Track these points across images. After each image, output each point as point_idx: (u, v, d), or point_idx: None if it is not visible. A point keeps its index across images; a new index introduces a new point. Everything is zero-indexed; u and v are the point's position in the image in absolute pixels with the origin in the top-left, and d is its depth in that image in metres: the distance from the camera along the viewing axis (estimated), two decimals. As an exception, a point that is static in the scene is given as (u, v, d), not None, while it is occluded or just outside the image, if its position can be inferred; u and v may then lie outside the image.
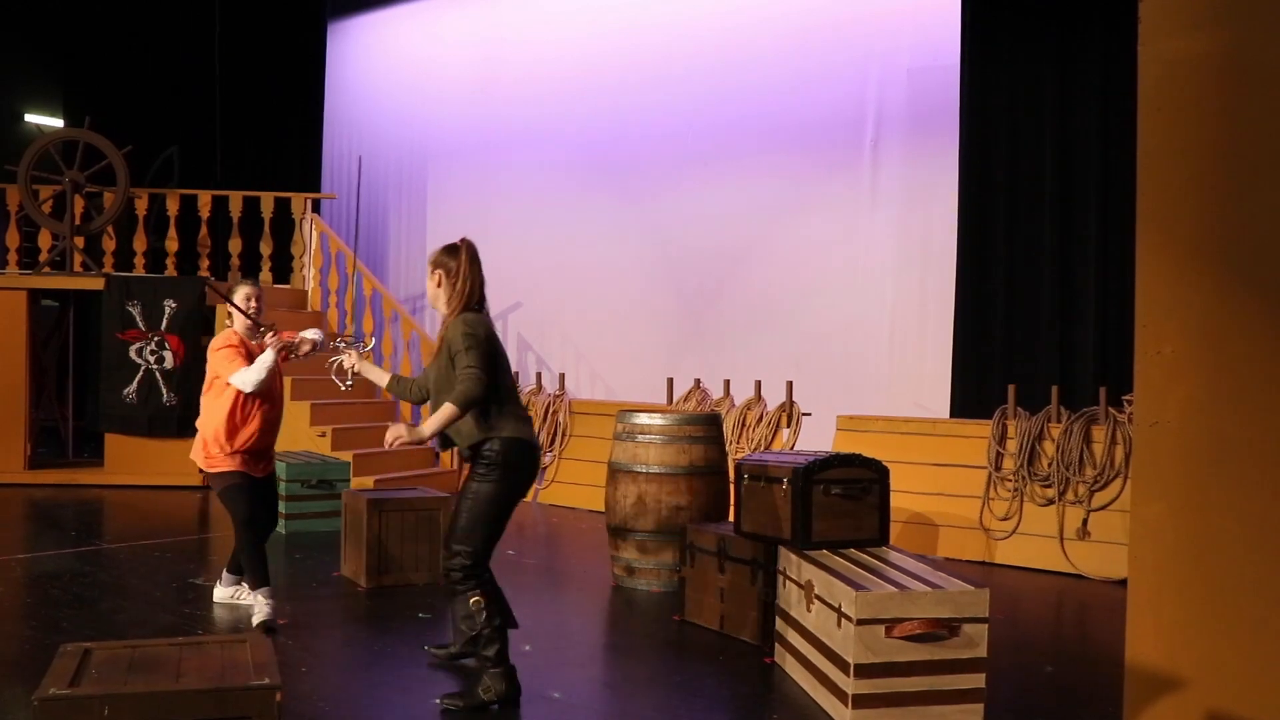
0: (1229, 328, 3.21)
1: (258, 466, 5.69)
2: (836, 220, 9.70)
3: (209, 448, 5.61)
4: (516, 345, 11.84)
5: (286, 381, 10.07)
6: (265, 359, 5.53)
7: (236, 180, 12.03)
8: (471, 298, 4.51)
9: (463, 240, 4.58)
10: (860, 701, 4.13)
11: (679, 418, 6.58)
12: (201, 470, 5.71)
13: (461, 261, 4.50)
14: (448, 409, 4.26)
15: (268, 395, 5.64)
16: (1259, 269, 3.16)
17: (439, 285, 4.55)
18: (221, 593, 5.97)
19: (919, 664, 4.18)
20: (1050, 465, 7.34)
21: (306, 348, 5.63)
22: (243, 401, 5.56)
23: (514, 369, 11.31)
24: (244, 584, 5.84)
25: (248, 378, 5.50)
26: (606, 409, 9.59)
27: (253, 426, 5.59)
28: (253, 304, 5.71)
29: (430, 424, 4.31)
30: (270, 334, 5.59)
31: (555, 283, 11.54)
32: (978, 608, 4.23)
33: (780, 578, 5.07)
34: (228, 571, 5.96)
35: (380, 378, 4.89)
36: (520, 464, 4.40)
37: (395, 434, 4.28)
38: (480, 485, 4.36)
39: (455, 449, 4.47)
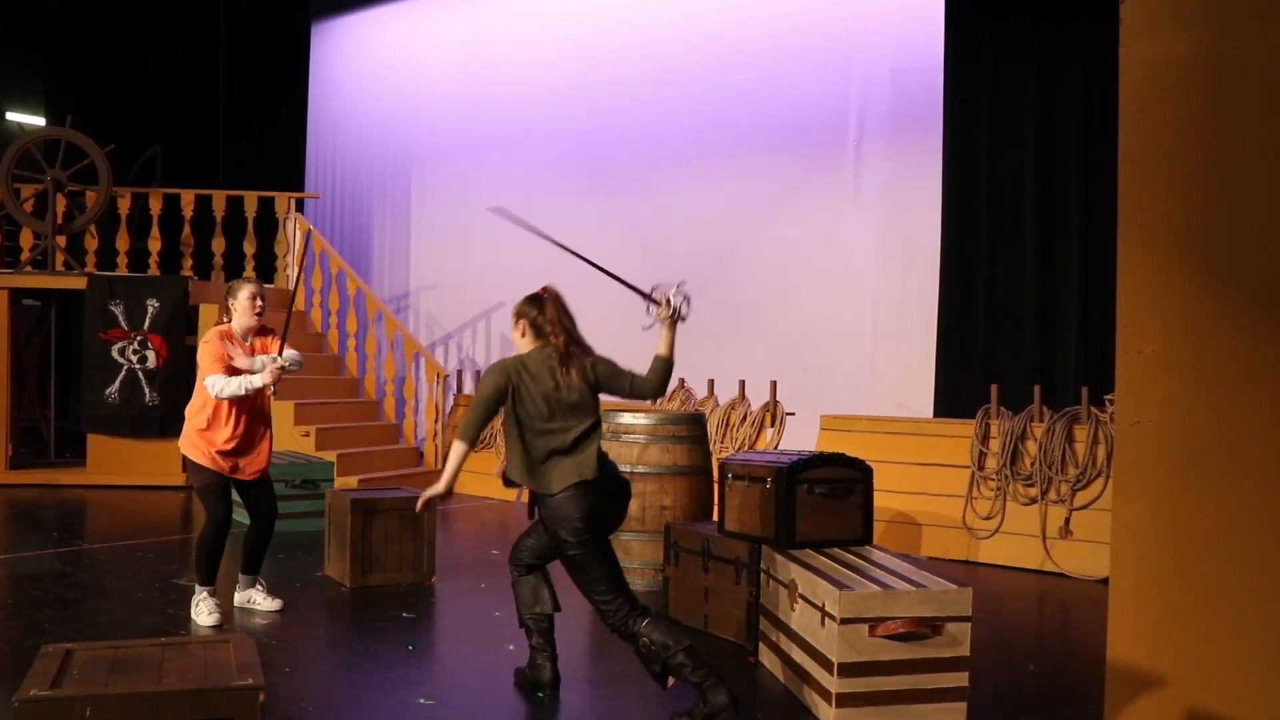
0: (1210, 328, 3.23)
1: (238, 469, 5.56)
2: (820, 220, 9.72)
3: (191, 437, 5.50)
4: (500, 345, 11.84)
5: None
6: (249, 382, 5.35)
7: (220, 179, 11.99)
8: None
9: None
10: (844, 700, 4.15)
11: (663, 417, 6.59)
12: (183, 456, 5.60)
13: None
14: (457, 449, 4.32)
15: (247, 402, 5.51)
16: (1240, 269, 3.18)
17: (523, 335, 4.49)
18: (239, 596, 5.87)
19: (902, 663, 4.19)
20: (1033, 465, 7.37)
21: (275, 376, 5.43)
22: (224, 402, 5.46)
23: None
24: (258, 585, 5.84)
25: (219, 389, 5.34)
26: (591, 409, 9.58)
27: (229, 429, 5.46)
28: (258, 303, 5.54)
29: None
30: (269, 362, 5.42)
31: (538, 283, 11.47)
32: (960, 607, 4.25)
33: (764, 577, 5.08)
34: (241, 573, 5.87)
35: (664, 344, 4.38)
36: (584, 508, 4.22)
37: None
38: (563, 549, 4.25)
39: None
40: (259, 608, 5.78)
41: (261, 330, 5.62)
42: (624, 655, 5.22)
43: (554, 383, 4.27)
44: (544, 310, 4.44)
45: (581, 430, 4.27)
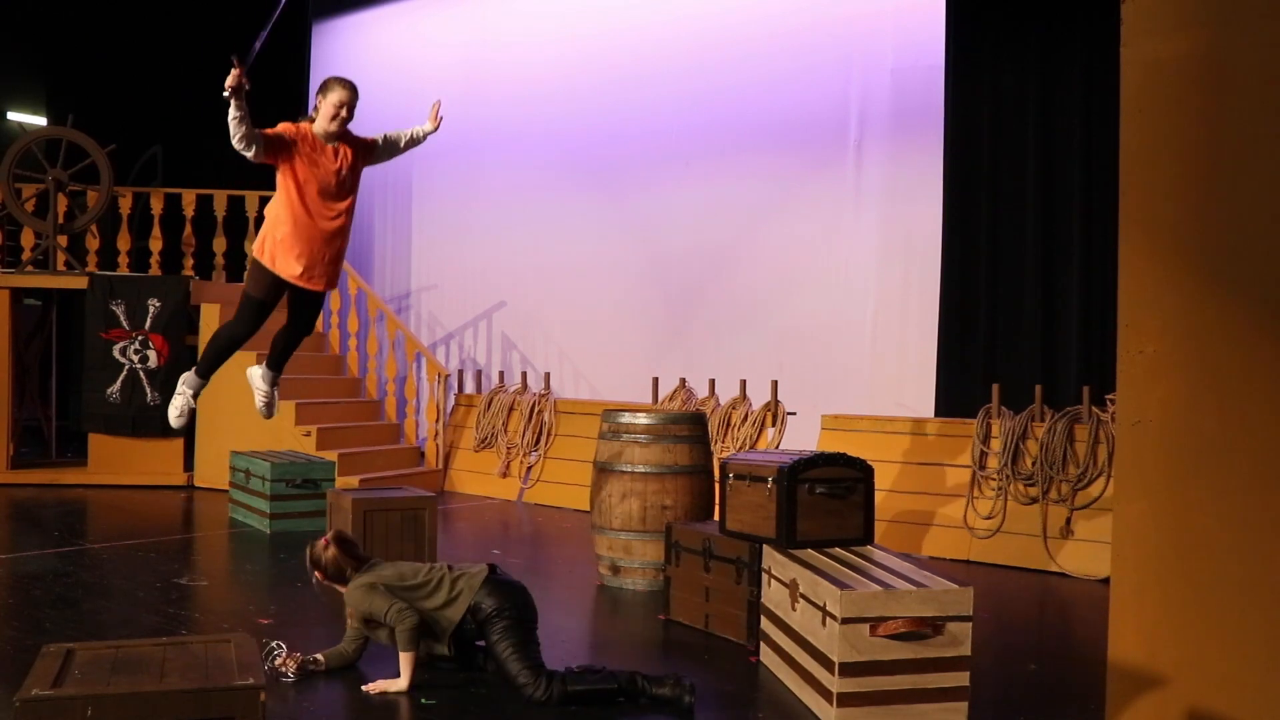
0: (1210, 327, 3.23)
1: (304, 275, 5.34)
2: (820, 220, 9.72)
3: (264, 240, 5.38)
4: (501, 344, 11.84)
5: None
6: (233, 119, 5.20)
7: (221, 179, 11.98)
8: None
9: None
10: (845, 700, 4.15)
11: (664, 417, 6.59)
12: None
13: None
14: (406, 657, 4.47)
15: (321, 193, 5.34)
16: (1240, 268, 3.18)
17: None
18: (254, 375, 5.82)
19: (903, 662, 4.19)
20: (1034, 464, 7.37)
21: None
22: (290, 192, 5.30)
23: (499, 368, 11.34)
24: (275, 385, 5.85)
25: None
26: (591, 408, 9.59)
27: (291, 224, 5.28)
28: (342, 112, 5.32)
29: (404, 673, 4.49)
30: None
31: (539, 282, 11.55)
32: (961, 606, 4.25)
33: (765, 576, 5.08)
34: (265, 366, 5.80)
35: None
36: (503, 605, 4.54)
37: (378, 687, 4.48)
38: (491, 636, 4.52)
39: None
40: (269, 392, 5.83)
41: (343, 135, 5.42)
42: (622, 657, 5.23)
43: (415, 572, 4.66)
44: (328, 551, 4.73)
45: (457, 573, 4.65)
